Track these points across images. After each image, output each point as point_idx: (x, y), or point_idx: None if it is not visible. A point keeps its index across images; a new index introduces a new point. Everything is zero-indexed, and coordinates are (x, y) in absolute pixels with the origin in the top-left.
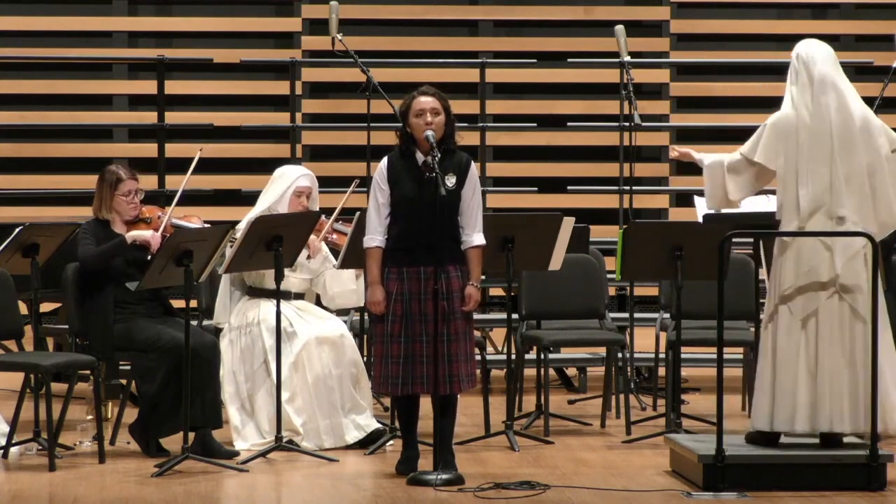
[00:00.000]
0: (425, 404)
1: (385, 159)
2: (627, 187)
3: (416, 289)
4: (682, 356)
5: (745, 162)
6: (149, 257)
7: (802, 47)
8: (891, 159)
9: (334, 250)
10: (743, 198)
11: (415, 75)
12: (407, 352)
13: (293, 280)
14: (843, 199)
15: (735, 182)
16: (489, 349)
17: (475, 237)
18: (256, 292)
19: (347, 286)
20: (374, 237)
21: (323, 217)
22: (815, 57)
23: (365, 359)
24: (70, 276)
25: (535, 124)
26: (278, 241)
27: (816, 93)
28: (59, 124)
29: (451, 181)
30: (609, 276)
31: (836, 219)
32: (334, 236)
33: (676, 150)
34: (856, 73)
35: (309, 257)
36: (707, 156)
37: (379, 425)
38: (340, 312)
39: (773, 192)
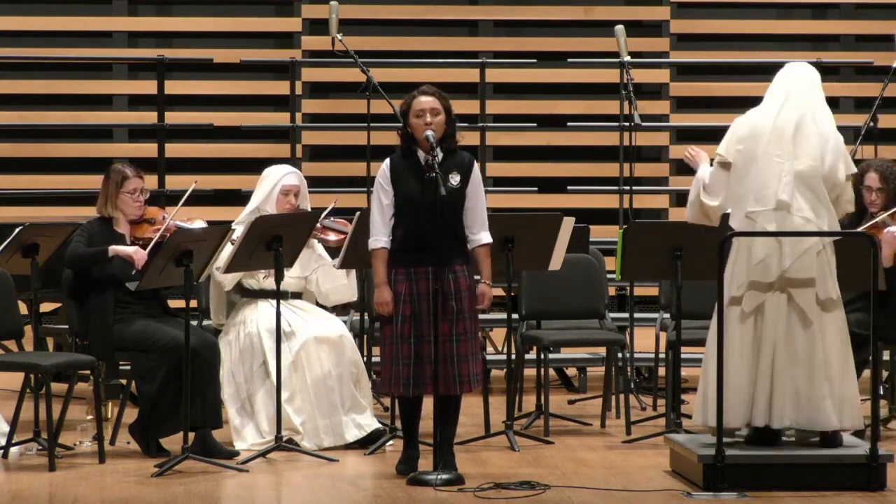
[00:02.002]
0: (426, 404)
1: (387, 160)
2: (627, 187)
3: (424, 289)
4: (682, 356)
5: (717, 167)
6: (133, 272)
7: (792, 65)
8: (841, 185)
9: (327, 248)
10: (723, 202)
11: (415, 75)
12: (417, 352)
13: (288, 280)
14: (791, 191)
15: (709, 194)
16: (489, 349)
17: (482, 235)
18: (251, 293)
19: (339, 281)
20: (380, 238)
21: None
22: (798, 71)
23: (365, 359)
24: (70, 276)
25: (535, 124)
26: (278, 241)
27: (788, 96)
28: (59, 124)
29: (454, 180)
30: (609, 276)
31: (784, 209)
32: (331, 236)
33: (692, 152)
34: (856, 73)
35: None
36: (702, 167)
37: (379, 425)
38: (341, 312)
39: None
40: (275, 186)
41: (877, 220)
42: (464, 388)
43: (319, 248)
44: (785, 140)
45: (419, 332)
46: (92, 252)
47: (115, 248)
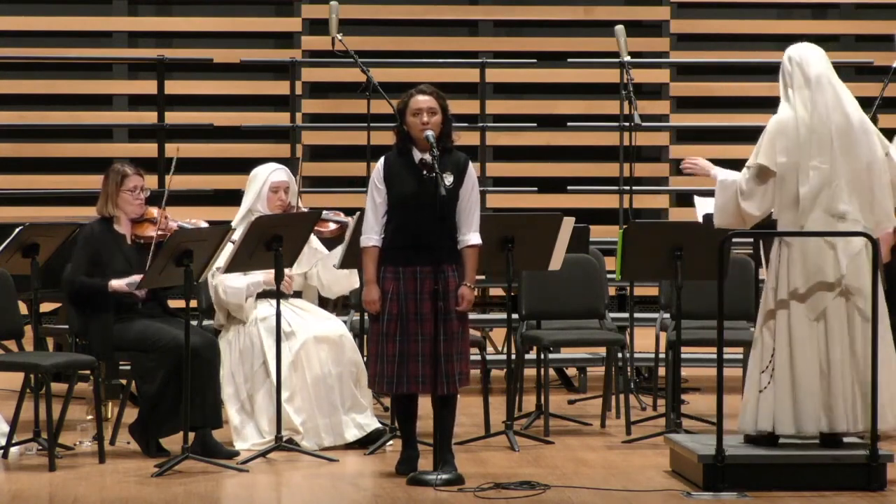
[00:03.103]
0: (425, 404)
1: (382, 159)
2: (627, 187)
3: (412, 288)
4: (682, 356)
5: (755, 174)
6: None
7: (794, 50)
8: (883, 162)
9: (323, 240)
10: (764, 211)
11: (415, 75)
12: (402, 351)
13: None
14: (844, 196)
15: (749, 202)
16: (489, 349)
17: (471, 237)
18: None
19: (340, 271)
20: (371, 236)
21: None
22: (808, 58)
23: (365, 359)
24: (70, 276)
25: (535, 124)
26: (278, 241)
27: (814, 92)
28: (59, 124)
29: (448, 180)
30: (609, 276)
31: (837, 216)
32: (328, 226)
33: (690, 163)
34: (856, 73)
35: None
36: (721, 171)
37: (379, 425)
38: (341, 312)
39: None
40: (264, 185)
41: None
42: (450, 388)
43: (315, 241)
44: (827, 146)
45: (405, 331)
46: (90, 285)
47: (113, 285)
